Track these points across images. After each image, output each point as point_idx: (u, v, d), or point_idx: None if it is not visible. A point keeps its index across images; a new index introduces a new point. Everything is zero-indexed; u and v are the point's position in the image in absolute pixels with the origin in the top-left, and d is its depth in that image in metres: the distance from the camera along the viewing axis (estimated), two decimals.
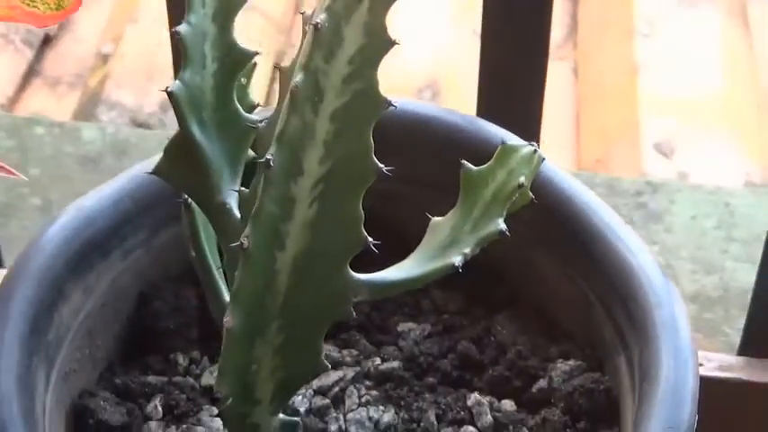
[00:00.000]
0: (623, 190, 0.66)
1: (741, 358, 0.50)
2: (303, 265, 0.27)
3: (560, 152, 0.88)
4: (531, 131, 0.43)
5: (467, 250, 0.27)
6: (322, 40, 0.25)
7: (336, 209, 0.26)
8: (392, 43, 0.25)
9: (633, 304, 0.31)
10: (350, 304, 0.27)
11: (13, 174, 0.26)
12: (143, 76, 0.94)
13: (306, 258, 0.26)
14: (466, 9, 0.98)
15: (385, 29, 0.25)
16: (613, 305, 0.32)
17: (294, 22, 1.01)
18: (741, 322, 0.56)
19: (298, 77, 0.25)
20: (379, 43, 0.25)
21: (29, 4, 0.29)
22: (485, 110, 0.44)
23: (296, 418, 0.31)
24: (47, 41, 0.99)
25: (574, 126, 0.89)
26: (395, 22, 0.26)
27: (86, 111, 0.89)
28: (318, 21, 0.24)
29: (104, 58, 0.95)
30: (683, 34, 0.95)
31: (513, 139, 0.33)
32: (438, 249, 0.28)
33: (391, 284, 0.28)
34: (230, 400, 0.28)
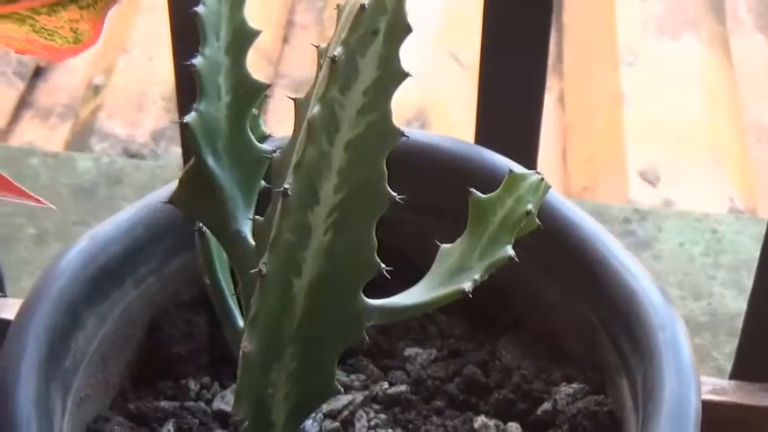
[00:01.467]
0: (611, 217, 0.67)
1: (733, 382, 0.52)
2: (318, 290, 0.27)
3: (547, 180, 0.91)
4: (528, 160, 0.45)
5: (476, 276, 0.28)
6: (338, 72, 0.26)
7: (351, 236, 0.27)
8: (405, 75, 0.27)
9: (636, 327, 0.32)
10: (363, 329, 0.28)
11: (41, 202, 0.27)
12: (134, 107, 0.95)
13: (321, 284, 0.27)
14: (441, 33, 1.01)
15: (399, 61, 0.27)
16: (617, 329, 0.33)
17: (283, 52, 1.02)
18: (729, 347, 0.58)
19: (315, 109, 0.26)
20: (393, 75, 0.26)
21: (47, 38, 0.30)
22: (482, 139, 0.46)
23: None
24: (38, 73, 1.00)
25: (560, 154, 0.91)
26: None
27: (78, 142, 0.90)
28: (335, 54, 0.25)
29: (96, 90, 0.96)
30: (666, 64, 0.97)
31: (517, 167, 0.34)
32: (447, 275, 0.29)
33: (403, 309, 0.29)
34: (246, 424, 0.28)
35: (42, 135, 0.94)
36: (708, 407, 0.50)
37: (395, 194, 0.27)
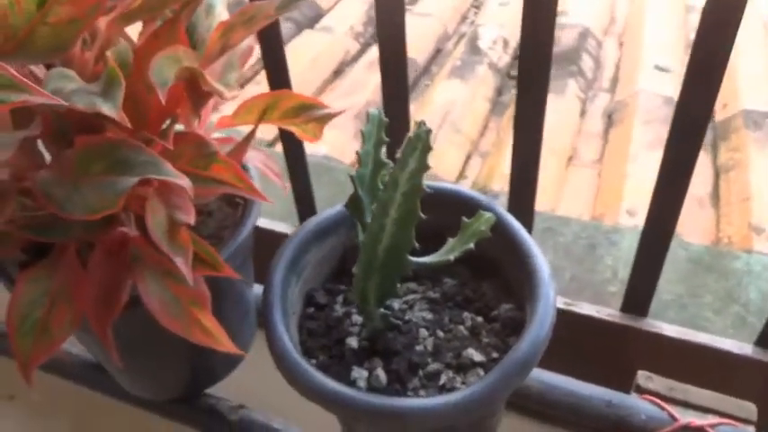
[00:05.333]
0: None
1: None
2: (389, 251, 0.54)
3: None
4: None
5: (456, 254, 0.57)
6: (400, 163, 0.51)
7: (402, 230, 0.53)
8: (428, 167, 0.51)
9: (534, 284, 0.60)
10: (409, 269, 0.60)
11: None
12: None
13: (390, 248, 0.54)
14: None
15: (426, 163, 0.51)
16: (527, 283, 0.61)
17: None
18: None
19: (386, 177, 0.56)
20: (423, 168, 0.51)
21: (304, 131, 0.69)
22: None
23: (388, 312, 0.62)
24: None
25: None
26: None
27: None
28: (398, 155, 0.54)
29: None
30: None
31: (488, 207, 0.63)
32: (445, 252, 0.58)
33: (424, 264, 0.58)
34: (358, 300, 0.63)
35: None
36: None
37: (423, 216, 0.53)
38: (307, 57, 2.00)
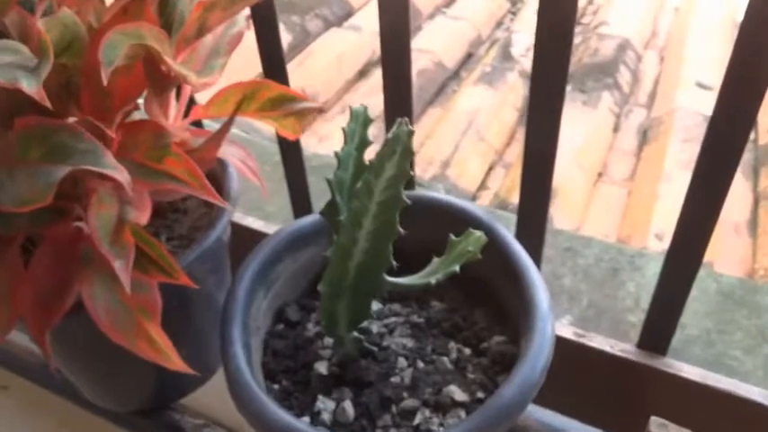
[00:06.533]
0: None
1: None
2: (362, 267, 0.48)
3: None
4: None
5: (439, 277, 0.49)
6: (376, 168, 0.45)
7: (378, 246, 0.47)
8: (409, 175, 0.44)
9: (531, 315, 0.52)
10: (384, 290, 0.51)
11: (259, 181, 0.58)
12: None
13: (363, 264, 0.48)
14: None
15: (407, 169, 0.44)
16: (524, 313, 0.52)
17: None
18: None
19: (358, 184, 0.47)
20: (403, 174, 0.45)
21: (285, 127, 0.61)
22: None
23: (361, 336, 0.54)
24: None
25: None
26: None
27: None
28: (372, 160, 0.46)
29: None
30: None
31: (484, 224, 0.56)
32: (426, 274, 0.50)
33: (401, 286, 0.51)
34: (324, 322, 0.54)
35: None
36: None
37: (402, 231, 0.47)
38: (331, 55, 1.93)
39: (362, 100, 1.72)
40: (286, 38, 2.02)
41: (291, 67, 1.93)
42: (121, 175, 0.44)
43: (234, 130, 1.46)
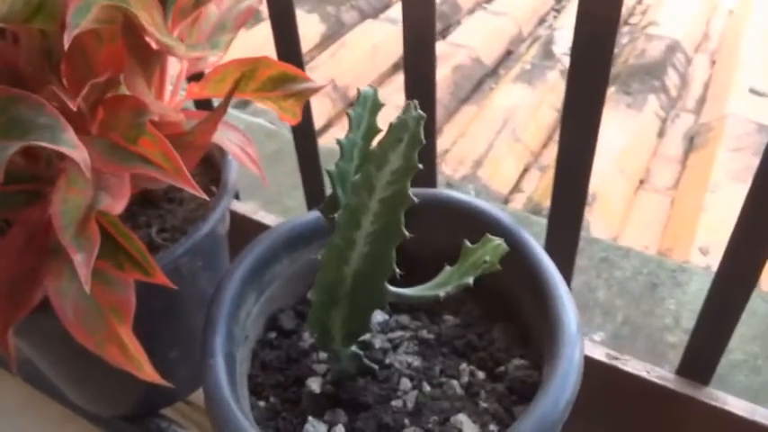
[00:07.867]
0: None
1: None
2: (360, 274, 0.41)
3: None
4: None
5: (449, 290, 0.43)
6: (378, 159, 0.38)
7: (379, 250, 0.40)
8: (417, 167, 0.38)
9: (557, 341, 0.44)
10: (385, 301, 0.44)
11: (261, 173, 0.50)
12: None
13: (361, 270, 0.41)
14: None
15: (415, 161, 0.37)
16: (550, 337, 0.45)
17: None
18: None
19: (356, 177, 0.39)
20: (411, 167, 0.38)
21: (284, 111, 0.54)
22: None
23: (360, 352, 0.48)
24: None
25: None
26: None
27: None
28: (373, 148, 0.40)
29: None
30: None
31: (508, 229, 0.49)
32: (435, 286, 0.44)
33: (406, 297, 0.44)
34: (316, 334, 0.47)
35: None
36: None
37: (407, 234, 0.39)
38: (365, 47, 1.86)
39: (396, 94, 1.65)
40: (319, 28, 1.95)
41: (323, 58, 1.87)
42: (79, 154, 0.37)
43: (262, 122, 1.38)
